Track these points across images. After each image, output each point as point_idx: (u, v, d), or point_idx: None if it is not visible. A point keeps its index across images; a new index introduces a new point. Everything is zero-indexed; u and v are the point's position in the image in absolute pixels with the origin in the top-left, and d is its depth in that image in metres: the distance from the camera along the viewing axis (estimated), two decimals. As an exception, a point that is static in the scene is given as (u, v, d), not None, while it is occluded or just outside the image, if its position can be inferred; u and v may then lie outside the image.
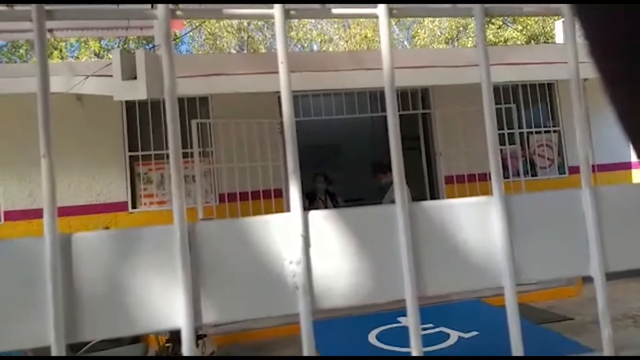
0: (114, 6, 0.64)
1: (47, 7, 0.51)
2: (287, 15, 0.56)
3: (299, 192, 0.57)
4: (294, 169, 0.56)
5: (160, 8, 0.51)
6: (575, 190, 0.63)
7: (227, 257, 0.55)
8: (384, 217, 0.58)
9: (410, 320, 0.58)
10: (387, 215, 0.58)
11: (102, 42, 17.03)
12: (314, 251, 0.57)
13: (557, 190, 0.65)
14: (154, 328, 0.53)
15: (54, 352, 0.50)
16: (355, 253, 0.58)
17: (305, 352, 0.56)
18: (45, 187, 0.53)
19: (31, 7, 0.51)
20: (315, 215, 0.57)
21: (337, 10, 0.56)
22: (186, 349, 0.53)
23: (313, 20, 18.79)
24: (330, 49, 18.24)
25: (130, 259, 0.53)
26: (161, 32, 0.51)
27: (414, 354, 0.60)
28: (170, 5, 0.49)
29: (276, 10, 0.56)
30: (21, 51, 16.95)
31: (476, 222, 0.59)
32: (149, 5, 0.60)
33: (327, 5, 0.53)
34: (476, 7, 0.56)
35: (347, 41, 18.98)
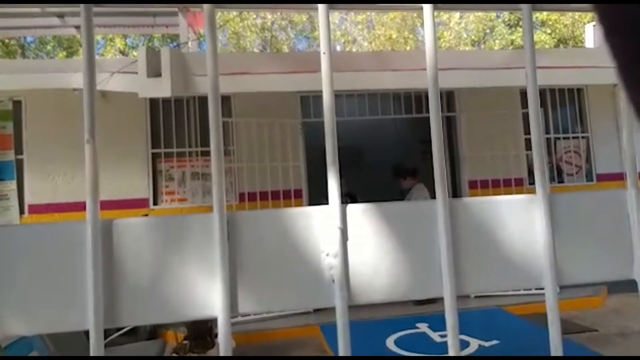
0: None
1: (95, -7, 0.52)
2: (331, 5, 0.56)
3: (337, 184, 0.56)
4: (333, 160, 0.55)
5: (206, -4, 0.51)
6: (621, 191, 0.61)
7: (264, 247, 0.54)
8: (423, 213, 0.57)
9: (449, 320, 0.57)
10: (427, 211, 0.57)
11: (127, 40, 17.31)
12: (352, 245, 0.56)
13: (602, 191, 0.63)
14: (191, 316, 0.53)
15: (92, 337, 0.51)
16: (393, 248, 0.57)
17: (341, 348, 0.56)
18: (88, 172, 0.53)
19: (79, -6, 0.52)
20: (354, 208, 0.56)
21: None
22: (222, 338, 0.53)
23: (337, 21, 18.77)
24: (354, 50, 18.21)
25: (169, 247, 0.53)
26: (206, 19, 0.51)
27: (451, 352, 0.59)
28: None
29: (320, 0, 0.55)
30: (48, 47, 17.33)
31: (518, 221, 0.58)
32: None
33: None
34: (525, 9, 0.55)
35: (371, 42, 18.93)
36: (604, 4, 0.32)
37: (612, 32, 0.32)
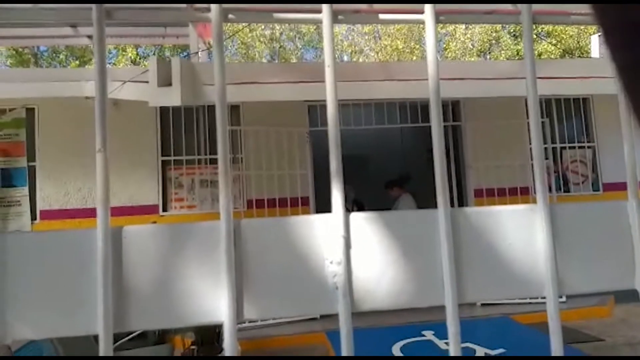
0: (158, 7, 0.67)
1: (107, 6, 0.54)
2: (334, 19, 0.57)
3: (341, 193, 0.58)
4: (337, 170, 0.57)
5: (214, 9, 0.53)
6: (621, 202, 0.62)
7: (270, 254, 0.55)
8: (425, 222, 0.58)
9: (450, 328, 0.58)
10: (429, 220, 0.58)
11: (138, 50, 17.52)
12: (355, 253, 0.57)
13: (603, 201, 0.64)
14: (198, 321, 0.55)
15: (101, 342, 0.52)
16: (395, 256, 0.58)
17: (344, 354, 0.57)
18: (99, 180, 0.55)
19: (92, 7, 0.54)
20: (357, 217, 0.58)
21: (384, 16, 0.57)
22: (228, 343, 0.54)
23: (344, 31, 18.88)
24: (361, 60, 18.30)
25: (177, 253, 0.54)
26: (214, 34, 0.53)
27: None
28: (224, 5, 0.51)
29: (324, 14, 0.57)
30: (61, 56, 17.59)
31: (519, 230, 0.59)
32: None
33: (375, 7, 0.54)
34: (524, 14, 0.56)
35: (377, 52, 19.00)
36: (604, 3, 0.32)
37: (614, 32, 0.32)
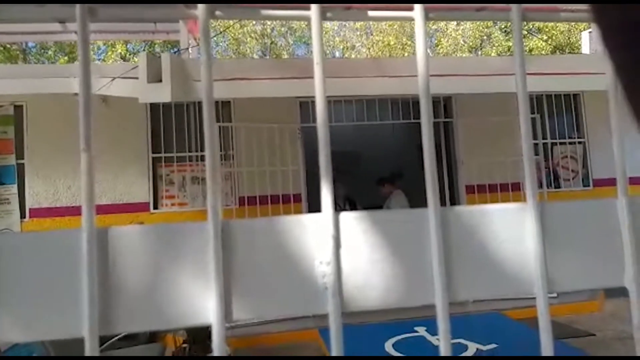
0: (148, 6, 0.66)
1: (91, 5, 0.53)
2: (323, 16, 0.56)
3: (331, 192, 0.57)
4: (327, 169, 0.56)
5: (201, 8, 0.52)
6: (611, 200, 0.62)
7: (259, 255, 0.55)
8: (415, 221, 0.58)
9: (441, 326, 0.57)
10: (419, 219, 0.58)
11: (128, 46, 17.36)
12: (345, 252, 0.57)
13: (593, 199, 0.64)
14: (186, 323, 0.54)
15: (87, 344, 0.51)
16: (385, 256, 0.57)
17: (334, 354, 0.56)
18: (84, 180, 0.54)
19: (75, 7, 0.53)
20: (347, 216, 0.57)
21: (373, 12, 0.56)
22: (216, 345, 0.53)
23: (336, 27, 18.85)
24: (353, 56, 18.28)
25: (164, 254, 0.53)
26: (201, 31, 0.52)
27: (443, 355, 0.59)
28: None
29: (312, 11, 0.56)
30: (50, 52, 17.40)
31: (509, 229, 0.59)
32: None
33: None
34: (514, 12, 0.56)
35: (369, 48, 18.99)
36: (604, 3, 0.31)
37: (614, 32, 0.32)
